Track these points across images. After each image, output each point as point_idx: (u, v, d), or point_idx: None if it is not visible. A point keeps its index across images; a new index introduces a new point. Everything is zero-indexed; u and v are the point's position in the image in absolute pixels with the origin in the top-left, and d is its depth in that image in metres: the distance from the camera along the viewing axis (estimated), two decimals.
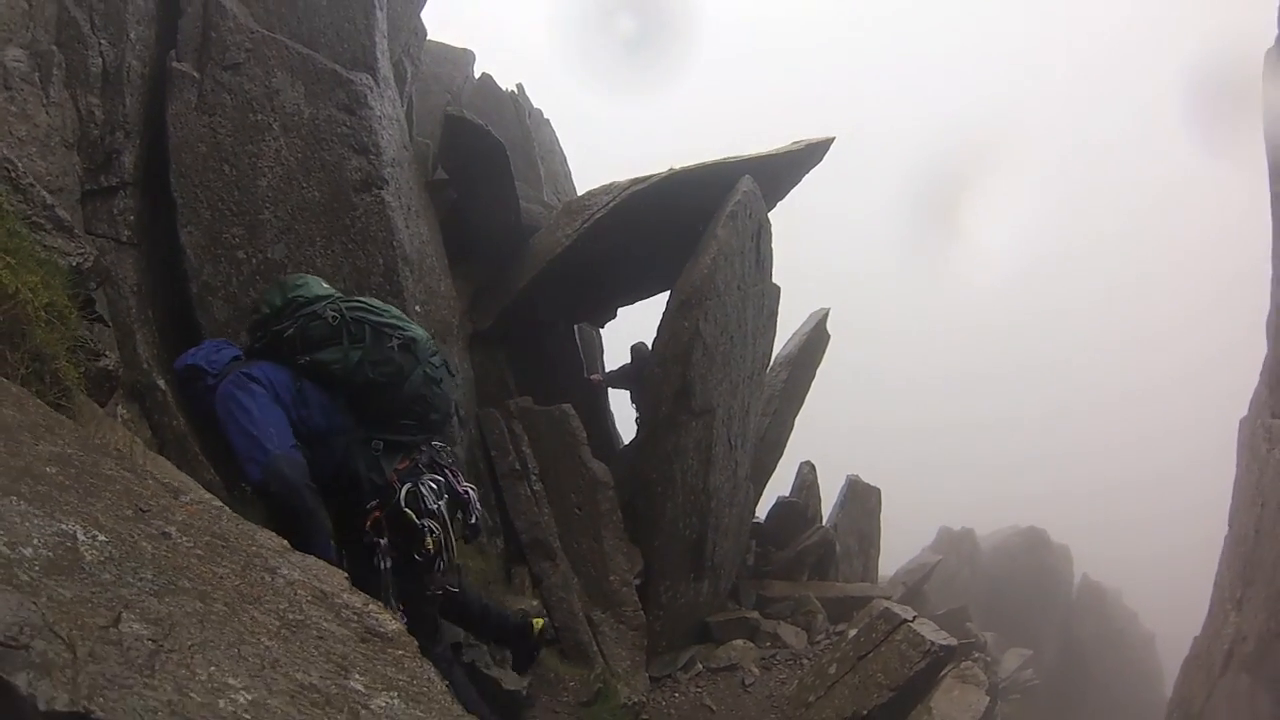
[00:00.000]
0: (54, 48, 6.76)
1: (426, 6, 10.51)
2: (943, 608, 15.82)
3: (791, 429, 11.86)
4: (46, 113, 6.72)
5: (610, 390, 11.41)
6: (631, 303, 11.06)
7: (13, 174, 3.80)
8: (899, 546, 18.57)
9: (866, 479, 14.13)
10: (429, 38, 11.75)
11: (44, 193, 3.90)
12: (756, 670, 8.96)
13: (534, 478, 8.50)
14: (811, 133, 10.29)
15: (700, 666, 8.81)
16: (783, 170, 9.94)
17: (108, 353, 3.92)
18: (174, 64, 6.59)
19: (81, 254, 3.80)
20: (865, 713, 7.48)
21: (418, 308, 7.51)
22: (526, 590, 7.86)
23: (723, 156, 9.43)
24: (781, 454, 11.74)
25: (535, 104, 14.01)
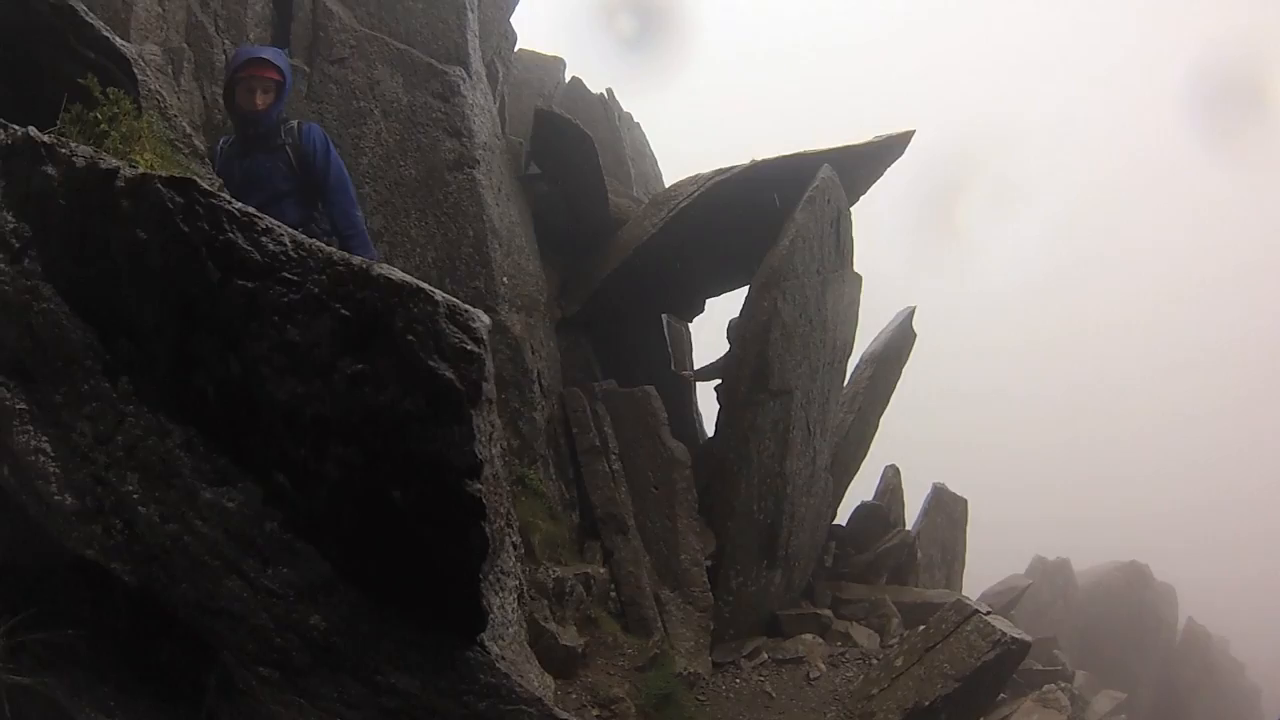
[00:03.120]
0: (185, 45, 7.58)
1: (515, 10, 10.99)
2: (1031, 637, 15.25)
3: (876, 428, 11.72)
4: (178, 98, 7.50)
5: (699, 384, 11.51)
6: (717, 294, 11.21)
7: (161, 105, 4.29)
8: (987, 572, 17.99)
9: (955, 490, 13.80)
10: (521, 47, 12.30)
11: (185, 124, 4.39)
12: (823, 666, 8.81)
13: (613, 456, 8.69)
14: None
15: (765, 656, 8.72)
16: (863, 162, 10.01)
17: None
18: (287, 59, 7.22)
19: (211, 180, 4.29)
20: (927, 704, 7.32)
21: (505, 279, 7.86)
22: (597, 561, 8.00)
23: (803, 148, 9.57)
24: (866, 453, 11.62)
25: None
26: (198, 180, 3.04)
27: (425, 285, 2.92)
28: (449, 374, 2.81)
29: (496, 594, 3.25)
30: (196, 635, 2.88)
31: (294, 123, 5.29)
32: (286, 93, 5.28)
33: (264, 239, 2.96)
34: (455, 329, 2.85)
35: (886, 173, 10.63)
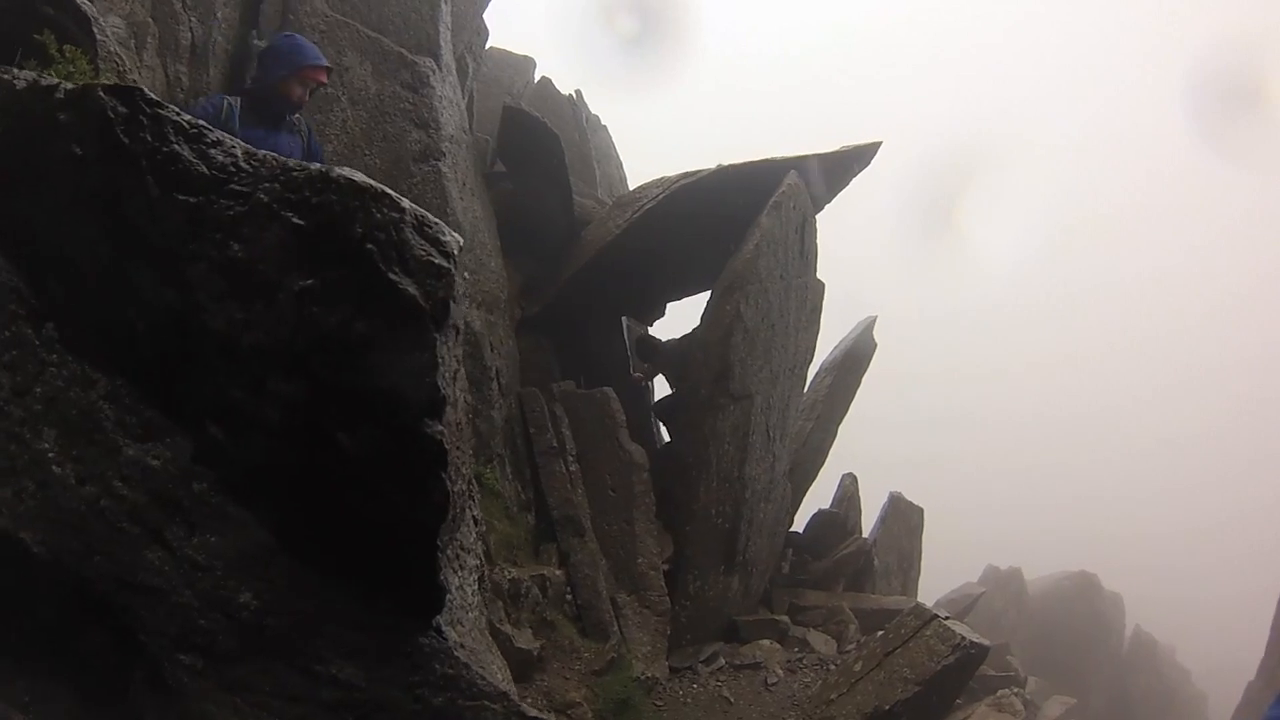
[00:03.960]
0: (150, 20, 7.38)
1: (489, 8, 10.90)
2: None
3: (834, 436, 11.77)
4: (138, 74, 7.29)
5: (658, 387, 11.45)
6: (679, 298, 11.17)
7: (120, 69, 4.17)
8: (940, 582, 18.15)
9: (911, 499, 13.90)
10: (492, 45, 12.19)
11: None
12: (781, 672, 8.83)
13: (571, 457, 8.60)
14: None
15: (723, 662, 8.72)
16: (830, 170, 10.02)
17: None
18: (255, 41, 7.13)
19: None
20: (887, 708, 7.34)
21: (465, 274, 7.69)
22: (552, 563, 7.91)
23: (771, 155, 9.57)
24: (823, 461, 11.66)
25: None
26: (143, 89, 2.83)
27: (392, 191, 2.67)
28: (412, 289, 2.56)
29: (455, 572, 3.02)
30: (124, 621, 2.61)
31: (299, 116, 5.66)
32: None
33: (213, 151, 2.73)
34: (423, 241, 2.61)
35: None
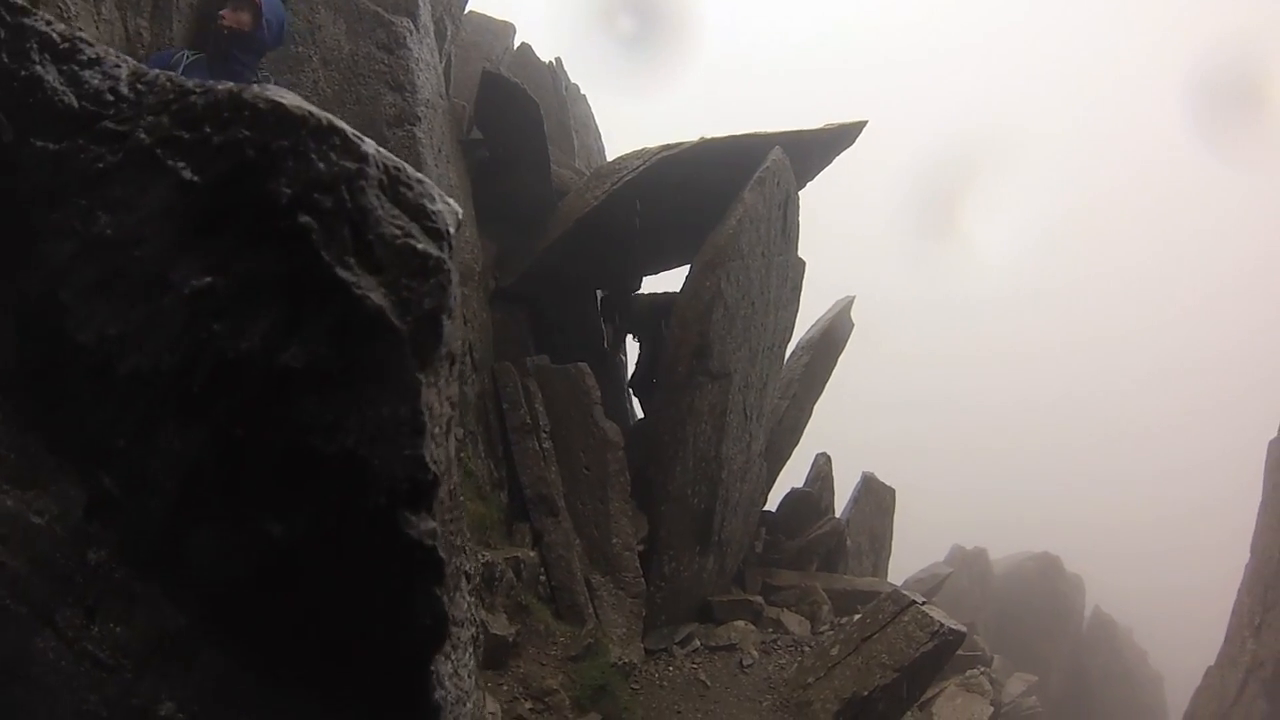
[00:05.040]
0: None
1: None
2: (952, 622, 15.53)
3: (809, 416, 11.67)
4: (97, 28, 6.90)
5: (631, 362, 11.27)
6: (656, 272, 10.97)
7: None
8: (909, 561, 18.27)
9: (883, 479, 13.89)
10: (471, 9, 11.82)
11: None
12: (756, 653, 8.78)
13: (544, 434, 8.39)
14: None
15: (698, 643, 8.65)
16: (814, 149, 9.83)
17: None
18: None
19: None
20: (866, 693, 7.29)
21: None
22: (525, 544, 7.73)
23: (754, 130, 9.35)
24: (798, 440, 11.57)
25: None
26: None
27: (342, 124, 1.77)
28: (377, 296, 1.62)
29: (448, 658, 2.07)
30: None
31: (269, 74, 5.26)
32: (264, 31, 5.12)
33: (87, 73, 1.87)
34: (397, 212, 1.67)
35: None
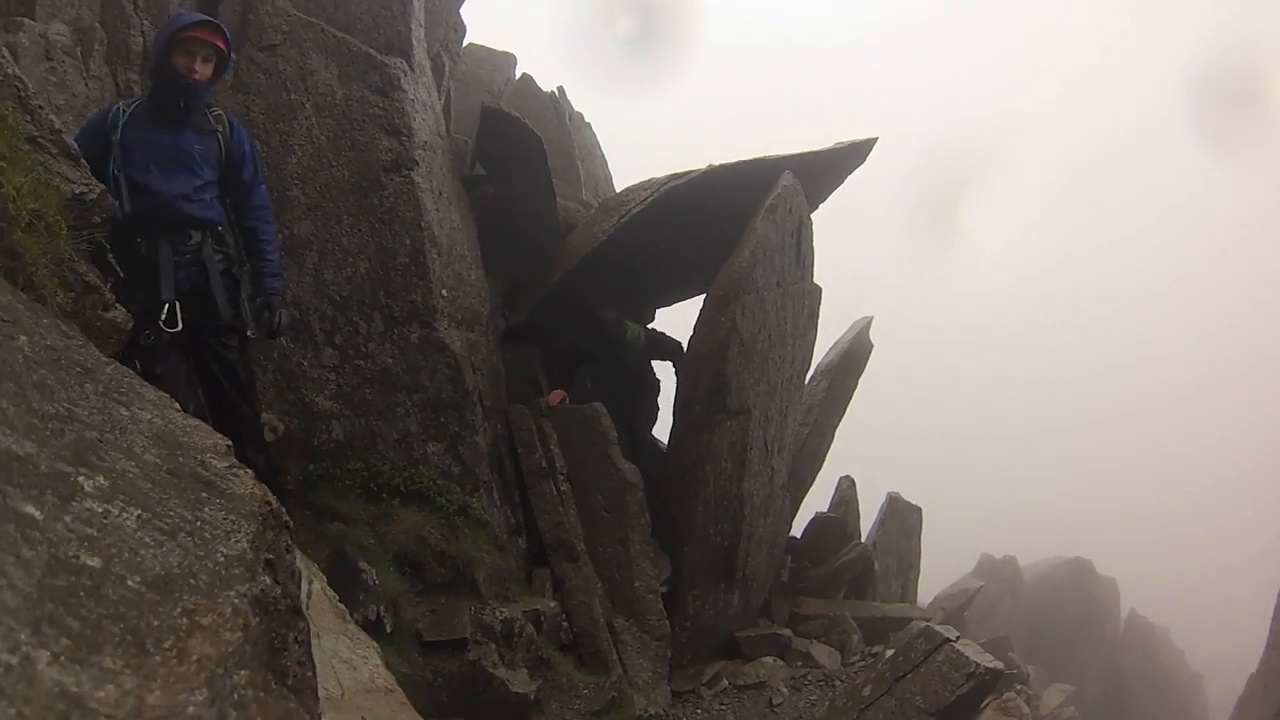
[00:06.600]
0: (97, 25, 6.95)
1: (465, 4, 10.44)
2: (984, 636, 15.21)
3: (831, 440, 11.45)
4: (86, 85, 6.81)
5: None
6: (669, 304, 10.79)
7: (21, 93, 3.60)
8: (937, 569, 17.98)
9: (905, 495, 13.65)
10: (471, 40, 11.71)
11: (51, 116, 3.68)
12: (785, 690, 8.55)
13: (561, 477, 8.21)
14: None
15: (726, 683, 8.43)
16: (824, 169, 9.63)
17: (118, 305, 3.67)
18: None
19: (87, 185, 3.53)
20: None
21: (444, 292, 7.32)
22: (546, 592, 7.54)
23: (762, 154, 9.15)
24: (821, 466, 11.34)
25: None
26: None
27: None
28: None
29: None
30: None
31: (221, 112, 4.93)
32: (224, 73, 4.99)
33: None
34: None
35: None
